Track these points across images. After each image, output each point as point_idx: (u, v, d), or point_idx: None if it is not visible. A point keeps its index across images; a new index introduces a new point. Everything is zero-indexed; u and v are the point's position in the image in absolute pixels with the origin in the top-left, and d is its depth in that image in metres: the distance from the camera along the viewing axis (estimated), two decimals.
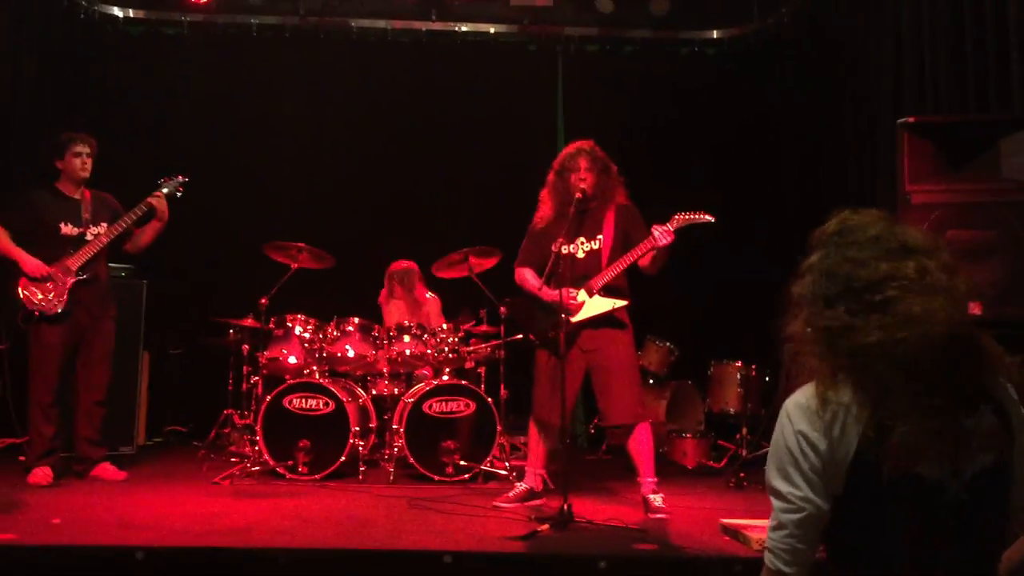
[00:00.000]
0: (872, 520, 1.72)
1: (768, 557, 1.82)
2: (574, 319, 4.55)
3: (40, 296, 4.99)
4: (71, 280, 5.07)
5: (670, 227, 4.41)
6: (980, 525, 1.70)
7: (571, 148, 4.77)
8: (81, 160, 5.21)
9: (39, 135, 6.55)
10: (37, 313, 4.99)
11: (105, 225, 5.23)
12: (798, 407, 1.78)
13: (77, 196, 5.25)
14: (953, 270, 1.72)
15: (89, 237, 5.18)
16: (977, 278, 3.88)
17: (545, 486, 4.87)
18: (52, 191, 5.22)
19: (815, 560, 1.80)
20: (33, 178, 5.46)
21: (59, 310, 5.02)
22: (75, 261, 5.08)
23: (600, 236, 4.67)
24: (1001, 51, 4.50)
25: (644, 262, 4.56)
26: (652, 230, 4.42)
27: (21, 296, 4.98)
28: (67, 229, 5.16)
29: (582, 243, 4.69)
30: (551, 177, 4.82)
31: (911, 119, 4.07)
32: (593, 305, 4.56)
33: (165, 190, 5.32)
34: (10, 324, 5.19)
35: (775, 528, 1.80)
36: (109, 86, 7.46)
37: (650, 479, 4.57)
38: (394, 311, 6.58)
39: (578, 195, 4.60)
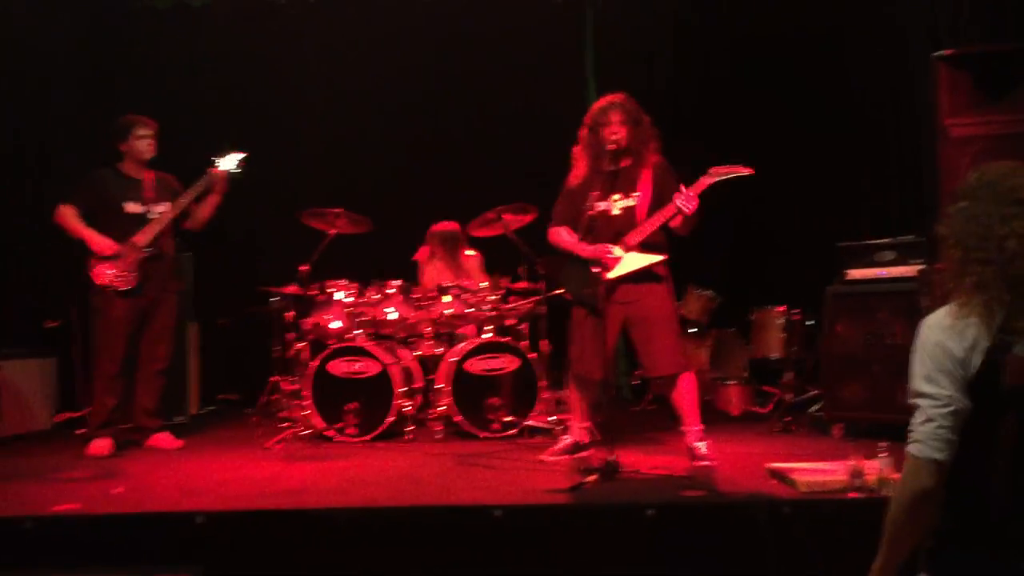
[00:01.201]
0: (989, 425, 2.03)
1: (918, 448, 2.09)
2: (610, 275, 4.50)
3: (111, 272, 5.15)
4: (140, 256, 5.19)
5: (694, 191, 4.33)
6: None
7: (602, 102, 4.69)
8: (145, 142, 5.37)
9: (76, 114, 6.68)
10: (110, 288, 5.15)
11: (168, 204, 5.36)
12: (938, 324, 2.11)
13: (139, 177, 5.38)
14: None
15: (153, 215, 5.32)
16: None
17: (592, 438, 4.88)
18: (116, 172, 5.38)
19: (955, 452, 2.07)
20: (81, 157, 5.58)
21: (130, 285, 5.18)
22: (142, 238, 5.23)
23: (636, 193, 4.59)
24: None
25: (675, 223, 4.49)
26: (675, 197, 4.36)
27: (93, 273, 5.14)
28: (132, 208, 5.29)
29: (617, 200, 4.61)
30: (583, 133, 4.74)
31: (948, 51, 4.00)
32: (630, 261, 4.51)
33: (223, 166, 5.39)
34: (82, 301, 5.39)
35: (925, 422, 2.09)
36: (138, 62, 7.49)
37: (695, 427, 4.55)
38: (434, 272, 6.59)
39: (611, 147, 4.53)
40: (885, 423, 4.81)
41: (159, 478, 4.37)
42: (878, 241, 5.31)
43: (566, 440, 4.83)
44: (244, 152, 5.50)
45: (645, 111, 4.70)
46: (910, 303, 4.49)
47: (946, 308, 2.12)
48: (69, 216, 5.21)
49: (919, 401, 2.11)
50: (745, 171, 4.36)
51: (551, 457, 4.70)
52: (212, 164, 5.41)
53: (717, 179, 4.36)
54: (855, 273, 5.35)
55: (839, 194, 7.02)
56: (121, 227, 5.22)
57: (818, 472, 3.78)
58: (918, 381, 2.12)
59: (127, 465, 4.78)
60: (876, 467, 3.60)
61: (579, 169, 4.78)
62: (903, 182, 6.18)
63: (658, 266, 4.57)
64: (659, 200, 4.53)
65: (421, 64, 7.64)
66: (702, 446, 4.49)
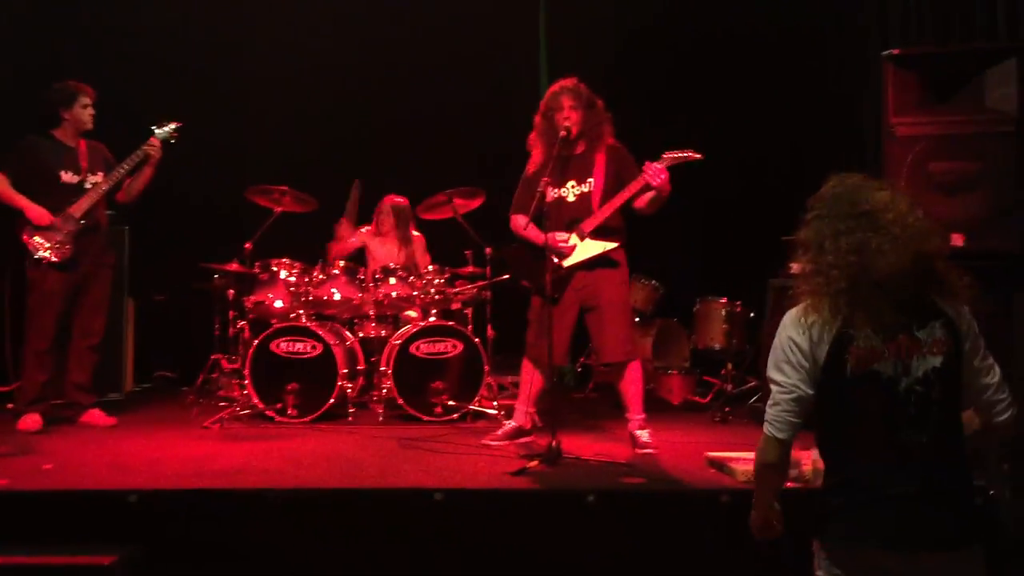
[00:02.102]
0: (843, 405, 2.31)
1: (767, 427, 2.40)
2: (566, 263, 4.53)
3: (47, 244, 4.98)
4: (75, 227, 5.05)
5: (660, 165, 4.36)
6: (935, 411, 2.26)
7: (554, 87, 4.69)
8: (88, 112, 5.24)
9: (14, 79, 6.45)
10: (44, 261, 4.98)
11: (102, 173, 5.23)
12: (790, 319, 2.39)
13: (75, 145, 5.23)
14: (911, 218, 2.29)
15: (88, 185, 5.18)
16: (960, 210, 3.92)
17: (534, 424, 4.90)
18: (50, 139, 5.20)
19: (797, 433, 2.38)
20: (19, 124, 5.39)
21: (66, 257, 5.03)
22: (77, 209, 5.09)
23: (591, 179, 4.60)
24: None
25: (640, 203, 4.51)
26: (644, 169, 4.36)
27: (28, 244, 4.98)
28: (67, 177, 5.15)
29: (572, 186, 4.62)
30: (537, 120, 4.74)
31: (895, 51, 4.05)
32: (585, 248, 4.53)
33: (159, 135, 5.26)
34: (14, 271, 5.22)
35: (772, 405, 2.38)
36: (83, 28, 7.26)
37: (638, 416, 4.62)
38: (381, 248, 6.50)
39: (563, 132, 4.52)
40: None
41: (91, 455, 4.28)
42: None
43: (509, 425, 4.83)
44: (180, 122, 5.35)
45: (596, 90, 4.70)
46: None
47: (799, 307, 2.37)
48: (1, 184, 5.04)
49: (771, 386, 2.40)
50: (695, 156, 4.43)
51: (494, 442, 4.71)
52: (150, 134, 5.27)
53: (669, 164, 4.39)
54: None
55: (785, 188, 7.08)
56: (56, 196, 5.06)
57: None
58: (771, 368, 2.40)
59: (58, 441, 4.67)
60: (811, 457, 3.66)
61: (535, 156, 4.77)
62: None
63: (615, 252, 4.58)
64: (615, 184, 4.53)
65: (373, 43, 7.52)
66: (644, 434, 4.56)
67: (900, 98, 3.98)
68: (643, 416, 4.64)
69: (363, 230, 6.62)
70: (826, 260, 2.28)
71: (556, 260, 4.50)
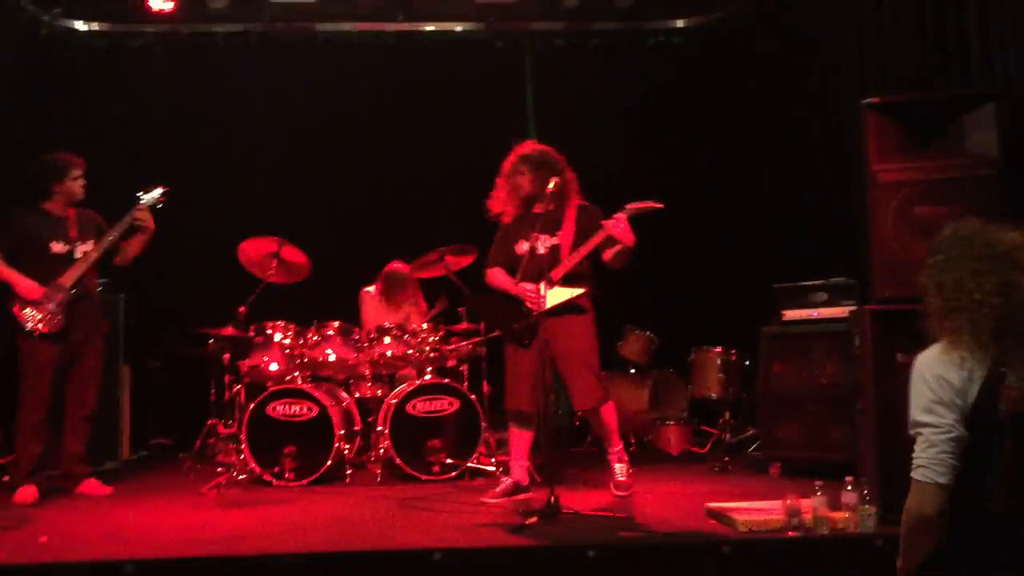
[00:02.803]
0: (988, 449, 2.22)
1: (922, 473, 2.27)
2: (537, 312, 4.63)
3: (38, 316, 4.99)
4: (66, 297, 5.06)
5: (625, 214, 4.54)
6: None
7: (513, 156, 4.94)
8: (79, 184, 5.27)
9: (10, 155, 6.51)
10: (36, 332, 4.98)
11: (92, 242, 5.24)
12: (934, 359, 2.32)
13: (64, 215, 5.25)
14: None
15: (78, 254, 5.18)
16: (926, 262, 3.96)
17: (532, 479, 4.89)
18: (38, 211, 5.22)
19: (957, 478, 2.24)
20: (15, 197, 5.42)
21: (57, 329, 5.02)
22: (67, 279, 5.08)
23: (560, 232, 4.80)
24: (959, 27, 4.57)
25: (607, 257, 4.69)
26: (605, 223, 4.58)
27: (19, 316, 4.98)
28: (57, 247, 5.15)
29: (544, 240, 4.78)
30: (499, 181, 4.99)
31: (875, 99, 4.13)
32: (553, 296, 4.63)
33: (146, 201, 5.31)
34: (7, 343, 5.19)
35: (928, 448, 2.26)
36: (76, 101, 7.38)
37: (615, 447, 4.83)
38: (380, 312, 6.53)
39: (523, 194, 4.85)
40: (821, 461, 4.90)
41: (88, 526, 4.23)
42: (811, 283, 5.44)
43: (506, 481, 4.81)
44: (166, 187, 5.40)
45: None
46: (842, 343, 4.58)
47: (938, 345, 2.32)
48: None
49: (921, 431, 2.30)
50: (656, 206, 4.58)
51: (492, 499, 4.67)
52: (137, 200, 5.32)
53: (631, 215, 4.55)
54: (790, 314, 5.47)
55: (776, 237, 7.17)
56: (46, 267, 5.06)
57: (756, 511, 3.82)
58: (919, 412, 2.31)
59: (54, 513, 4.62)
60: (812, 506, 3.65)
61: (508, 212, 4.97)
62: (834, 224, 6.33)
63: (581, 299, 4.72)
64: (583, 237, 4.73)
65: (362, 106, 7.66)
66: (620, 468, 4.76)
67: (881, 145, 4.05)
68: (620, 445, 4.84)
69: (368, 290, 6.65)
70: (971, 299, 2.26)
71: (527, 309, 4.65)
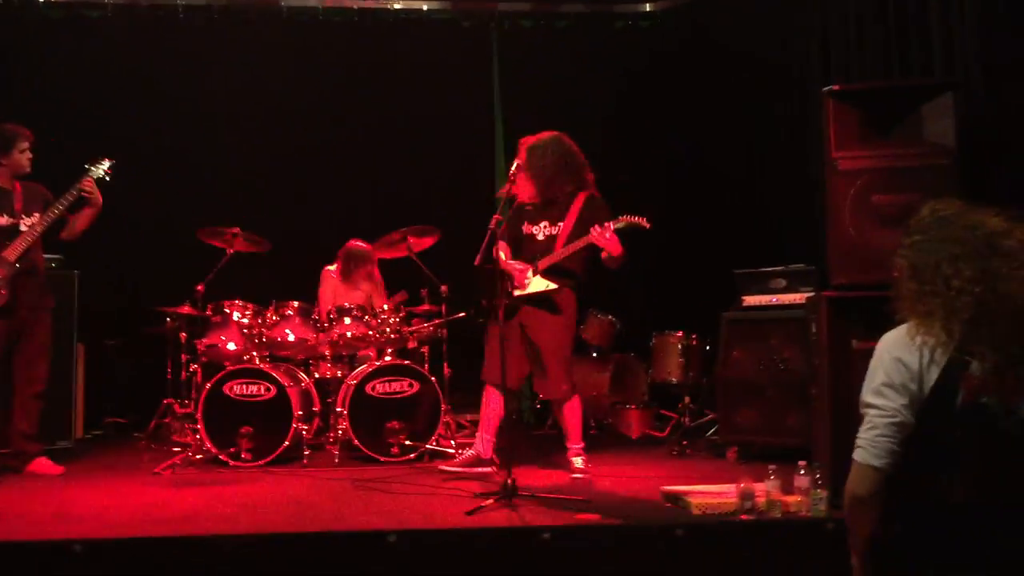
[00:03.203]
0: (943, 437, 2.16)
1: (860, 454, 2.24)
2: (517, 293, 4.82)
3: None
4: (11, 272, 4.95)
5: (610, 226, 4.65)
6: None
7: (527, 141, 4.94)
8: (26, 156, 5.15)
9: None
10: None
11: (38, 215, 5.13)
12: (896, 340, 2.26)
13: (9, 187, 5.14)
14: None
15: (23, 227, 5.07)
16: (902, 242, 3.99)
17: (491, 457, 4.95)
18: None
19: (897, 463, 2.20)
20: None
21: (2, 303, 4.92)
22: (12, 252, 4.97)
23: (561, 223, 4.91)
24: (920, 16, 4.60)
25: (603, 256, 4.80)
26: (592, 228, 4.68)
27: None
28: (2, 220, 5.05)
29: (544, 227, 4.94)
30: (515, 165, 4.97)
31: (835, 87, 4.15)
32: (534, 284, 4.82)
33: (93, 174, 5.20)
34: None
35: (869, 430, 2.23)
36: (31, 72, 7.21)
37: (576, 445, 4.91)
38: (340, 291, 6.47)
39: (523, 200, 4.98)
40: (777, 446, 4.94)
41: (36, 505, 4.16)
42: (771, 269, 5.47)
43: (467, 452, 4.92)
44: (112, 159, 5.30)
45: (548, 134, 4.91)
46: (801, 330, 4.61)
47: (904, 327, 2.25)
48: None
49: (867, 411, 2.27)
50: (644, 225, 4.71)
51: (450, 468, 4.85)
52: (85, 172, 5.22)
53: (620, 226, 4.68)
54: (750, 299, 5.50)
55: (737, 222, 7.21)
56: None
57: (710, 495, 3.84)
58: (868, 393, 2.26)
59: (2, 492, 4.54)
60: (765, 489, 3.68)
61: (525, 194, 5.01)
62: (795, 211, 6.38)
63: (559, 297, 4.84)
64: (581, 233, 4.80)
65: (326, 84, 7.57)
66: (578, 460, 4.85)
67: (841, 132, 4.07)
68: (581, 445, 4.92)
69: (329, 269, 6.58)
70: (948, 284, 2.17)
71: (509, 287, 4.79)
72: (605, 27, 7.91)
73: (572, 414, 4.90)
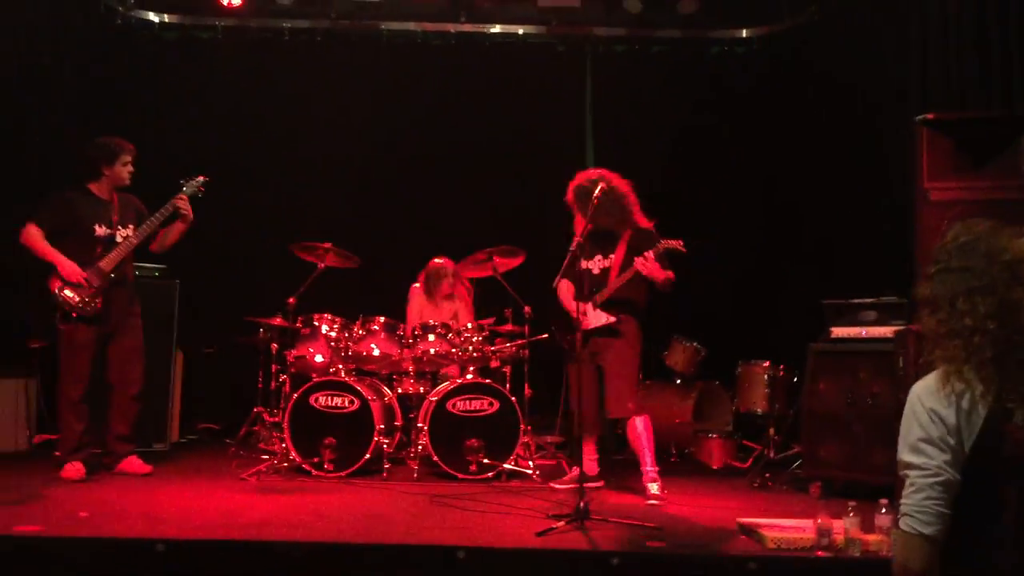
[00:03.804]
0: (990, 493, 1.95)
1: (906, 522, 2.00)
2: (584, 329, 4.92)
3: (77, 298, 5.12)
4: (104, 282, 5.19)
5: (650, 255, 4.89)
6: None
7: (574, 181, 5.16)
8: (128, 170, 5.39)
9: (78, 139, 6.70)
10: (75, 314, 5.12)
11: (132, 227, 5.36)
12: (927, 390, 2.03)
13: (108, 198, 5.38)
14: None
15: (119, 239, 5.31)
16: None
17: (599, 471, 5.30)
18: (85, 192, 5.34)
19: (947, 529, 1.96)
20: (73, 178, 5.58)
21: (95, 312, 5.15)
22: (108, 263, 5.21)
23: (612, 256, 5.16)
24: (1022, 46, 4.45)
25: (653, 281, 4.99)
26: (636, 261, 4.94)
27: (59, 297, 5.11)
28: (100, 231, 5.28)
29: (599, 260, 5.20)
30: (569, 201, 5.23)
31: (929, 116, 4.05)
32: (595, 317, 5.06)
33: (187, 190, 5.43)
34: (48, 323, 5.31)
35: (913, 493, 1.99)
36: (145, 90, 7.59)
37: (648, 468, 5.00)
38: (426, 309, 6.59)
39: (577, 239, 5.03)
40: (862, 483, 4.80)
41: (127, 504, 4.35)
42: (861, 300, 5.33)
43: (575, 471, 5.07)
44: (206, 176, 5.51)
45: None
46: (890, 363, 4.48)
47: (936, 374, 2.04)
48: (37, 237, 5.17)
49: (907, 472, 2.04)
50: (681, 249, 4.94)
51: (560, 485, 5.14)
52: (180, 189, 5.43)
53: (658, 254, 4.93)
54: (839, 331, 5.36)
55: (825, 252, 7.06)
56: (87, 249, 5.21)
57: (787, 529, 3.76)
58: (906, 451, 2.04)
59: (98, 490, 4.76)
60: (843, 526, 3.59)
61: (577, 230, 5.14)
62: (891, 242, 6.21)
63: (620, 326, 5.06)
64: (629, 263, 5.04)
65: (421, 105, 7.74)
66: (653, 487, 4.91)
67: (934, 162, 3.98)
68: (655, 469, 5.00)
69: (416, 287, 6.71)
70: (963, 323, 1.99)
71: (575, 324, 4.92)
72: (700, 53, 7.89)
73: (640, 435, 5.03)
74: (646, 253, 4.93)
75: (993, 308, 1.97)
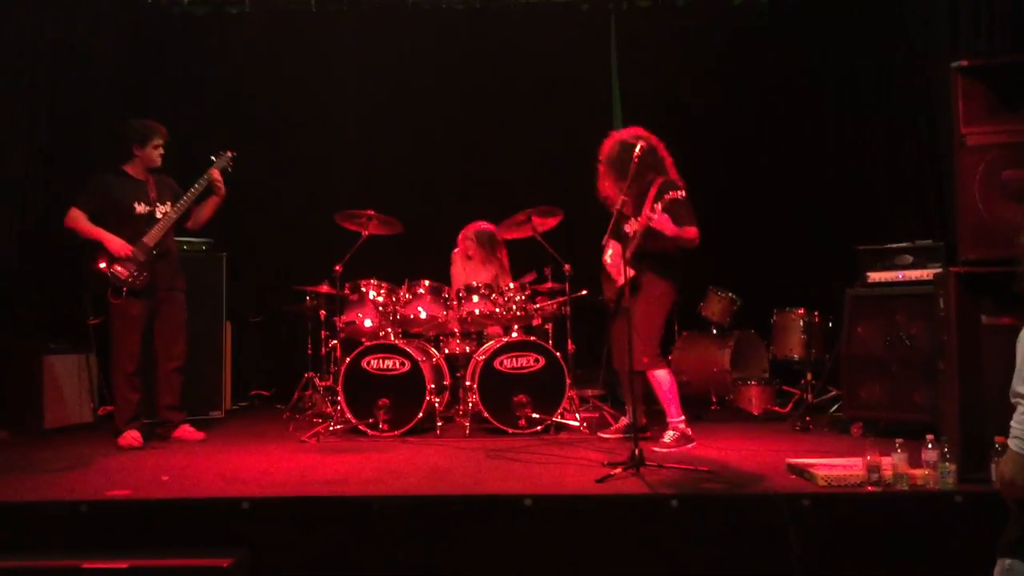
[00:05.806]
0: None
1: (1016, 443, 2.24)
2: (619, 284, 5.12)
3: (126, 272, 5.31)
4: (150, 256, 5.38)
5: (658, 207, 4.94)
6: None
7: (605, 145, 5.26)
8: (159, 152, 5.55)
9: (111, 116, 6.84)
10: (125, 288, 5.31)
11: (170, 203, 5.54)
12: None
13: (144, 178, 5.55)
14: None
15: (158, 215, 5.49)
16: None
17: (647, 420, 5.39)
18: (120, 174, 5.52)
19: None
20: (108, 158, 5.73)
21: (144, 285, 5.35)
22: (151, 238, 5.40)
23: (639, 215, 5.13)
24: None
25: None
26: (645, 211, 4.98)
27: (109, 273, 5.30)
28: (140, 208, 5.46)
29: (633, 222, 5.16)
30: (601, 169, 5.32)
31: (964, 62, 4.12)
32: (624, 273, 5.01)
33: (217, 165, 5.60)
34: (100, 299, 5.54)
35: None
36: (176, 65, 7.72)
37: (672, 419, 5.17)
38: (468, 271, 6.74)
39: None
40: (903, 422, 4.95)
41: (201, 468, 4.56)
42: (897, 245, 5.45)
43: (624, 420, 5.33)
44: (234, 151, 5.67)
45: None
46: (927, 306, 4.60)
47: None
48: (81, 219, 5.37)
49: (1019, 400, 2.26)
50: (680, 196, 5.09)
51: (609, 435, 5.38)
52: (210, 164, 5.59)
53: (667, 201, 5.02)
54: (875, 276, 5.49)
55: (861, 199, 7.15)
56: (130, 228, 5.39)
57: (836, 467, 3.91)
58: (1018, 382, 2.26)
59: (166, 456, 4.97)
60: (892, 462, 3.74)
61: (605, 190, 5.33)
62: (922, 187, 6.30)
63: (642, 279, 5.15)
64: None
65: (450, 70, 7.83)
66: (668, 435, 5.11)
67: (970, 108, 4.04)
68: (675, 419, 5.15)
69: (457, 251, 6.86)
70: None
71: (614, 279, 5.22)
72: (723, 4, 7.89)
73: (657, 387, 5.15)
74: (655, 206, 4.98)
75: None
